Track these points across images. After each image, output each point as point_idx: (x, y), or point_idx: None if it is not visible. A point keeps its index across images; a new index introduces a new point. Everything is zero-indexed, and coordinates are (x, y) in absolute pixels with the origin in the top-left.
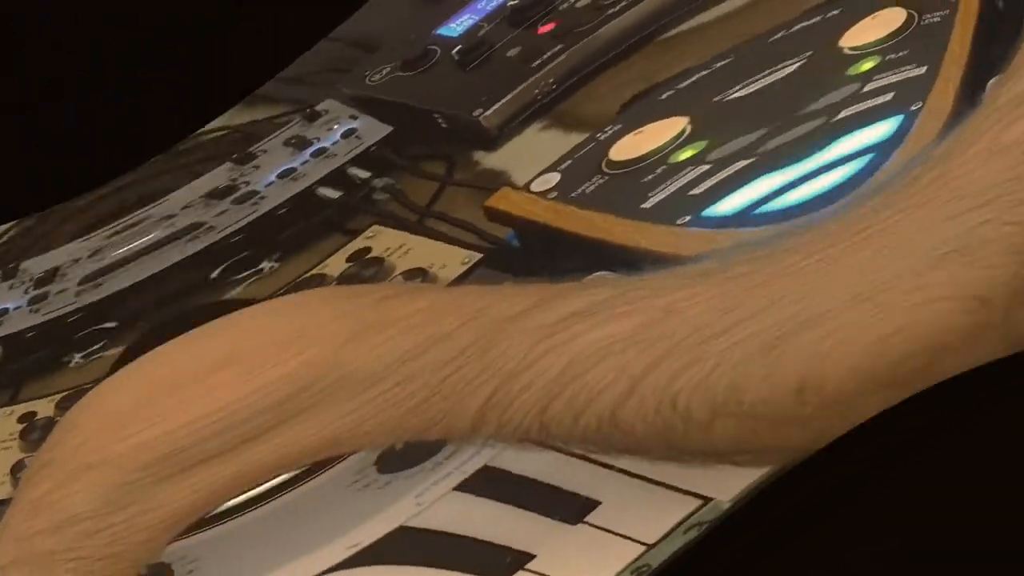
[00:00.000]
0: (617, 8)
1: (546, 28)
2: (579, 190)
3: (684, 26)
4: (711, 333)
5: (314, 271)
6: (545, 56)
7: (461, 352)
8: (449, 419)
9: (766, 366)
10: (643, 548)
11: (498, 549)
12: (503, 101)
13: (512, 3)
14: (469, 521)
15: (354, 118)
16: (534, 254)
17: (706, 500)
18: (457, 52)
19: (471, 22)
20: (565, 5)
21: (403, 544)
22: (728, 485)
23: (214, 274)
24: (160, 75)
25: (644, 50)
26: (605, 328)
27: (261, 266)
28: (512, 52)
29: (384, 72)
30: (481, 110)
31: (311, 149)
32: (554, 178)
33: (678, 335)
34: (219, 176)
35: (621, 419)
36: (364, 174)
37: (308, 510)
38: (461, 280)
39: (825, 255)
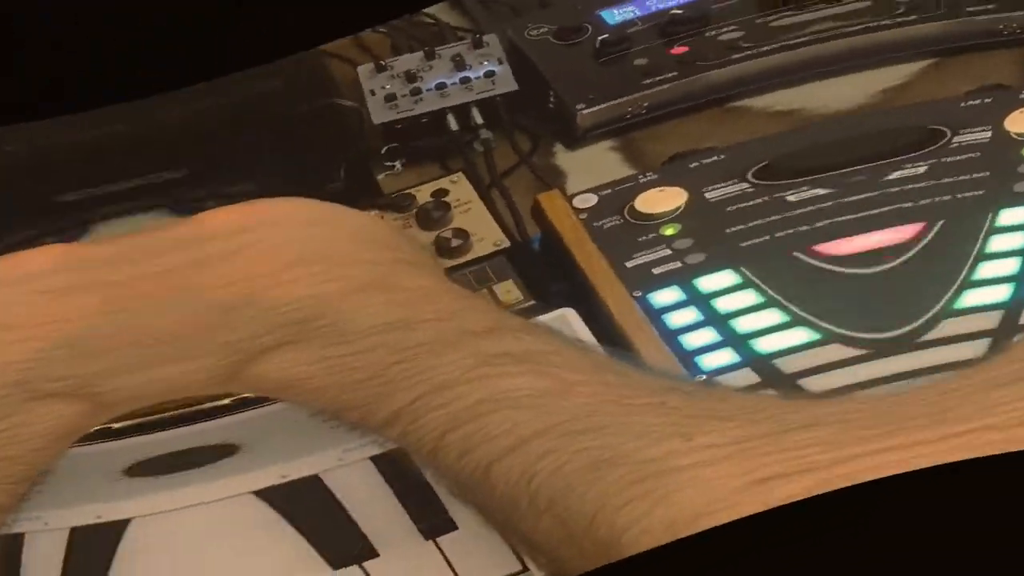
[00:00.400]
0: (745, 55)
1: (679, 50)
2: (601, 223)
3: (782, 96)
4: (575, 429)
5: (410, 190)
6: (658, 78)
7: (417, 346)
8: (372, 407)
9: (586, 483)
10: None
11: (357, 536)
12: (601, 107)
13: (675, 12)
14: (358, 496)
15: (500, 62)
16: (543, 264)
17: (524, 569)
18: (601, 40)
19: (630, 16)
20: (712, 32)
21: (302, 493)
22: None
23: (384, 149)
24: (160, 75)
25: (726, 107)
26: (525, 379)
27: (395, 163)
28: (640, 61)
29: (541, 31)
30: (583, 106)
31: (462, 74)
32: (592, 200)
33: (559, 417)
34: (414, 60)
35: (493, 474)
36: (479, 120)
37: (278, 425)
38: (485, 260)
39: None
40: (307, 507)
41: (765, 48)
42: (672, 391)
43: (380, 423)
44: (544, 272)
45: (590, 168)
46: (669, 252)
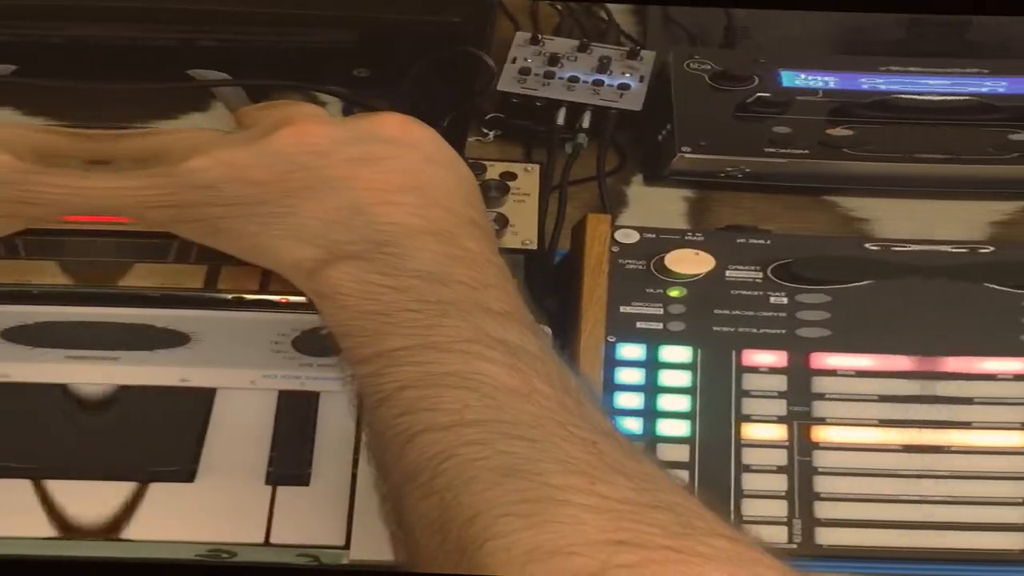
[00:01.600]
0: (871, 155)
1: (838, 131)
2: (626, 262)
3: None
4: (513, 432)
5: (485, 162)
6: (787, 150)
7: (437, 301)
8: (367, 339)
9: (488, 483)
10: (260, 543)
11: (189, 458)
12: (705, 156)
13: (895, 96)
14: (237, 421)
15: (641, 80)
16: (550, 278)
17: (345, 546)
18: (758, 97)
19: (812, 85)
20: (903, 122)
21: (184, 401)
22: (367, 549)
23: (488, 116)
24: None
25: (823, 199)
26: (500, 370)
27: (490, 132)
28: (781, 129)
29: (703, 67)
30: (689, 150)
31: (598, 76)
32: (633, 238)
33: (506, 415)
34: (566, 45)
35: (416, 441)
36: (585, 124)
37: (230, 331)
38: (505, 252)
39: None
40: (163, 415)
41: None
42: (608, 436)
43: (362, 358)
44: (545, 286)
45: (652, 208)
46: (661, 312)
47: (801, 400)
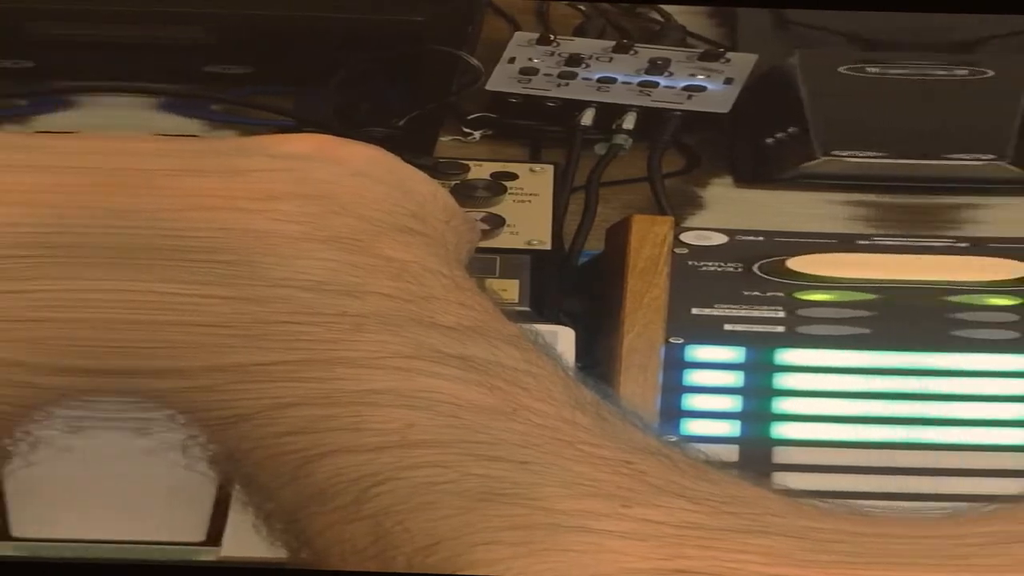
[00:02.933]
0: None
1: None
2: (701, 264)
3: None
4: (488, 453)
5: (468, 162)
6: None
7: (342, 315)
8: (196, 352)
9: (455, 509)
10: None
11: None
12: (883, 160)
13: None
14: None
15: (727, 82)
16: (573, 279)
17: (208, 542)
18: None
19: None
20: None
21: None
22: (245, 545)
23: (471, 116)
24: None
25: None
26: (462, 388)
27: (474, 132)
28: None
29: (878, 68)
30: (844, 153)
31: (648, 78)
32: (715, 240)
33: (477, 436)
34: (593, 46)
35: (325, 463)
36: (629, 125)
37: None
38: (504, 252)
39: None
40: None
41: None
42: (654, 455)
43: (176, 370)
44: (566, 286)
45: (757, 211)
46: (782, 315)
47: None
